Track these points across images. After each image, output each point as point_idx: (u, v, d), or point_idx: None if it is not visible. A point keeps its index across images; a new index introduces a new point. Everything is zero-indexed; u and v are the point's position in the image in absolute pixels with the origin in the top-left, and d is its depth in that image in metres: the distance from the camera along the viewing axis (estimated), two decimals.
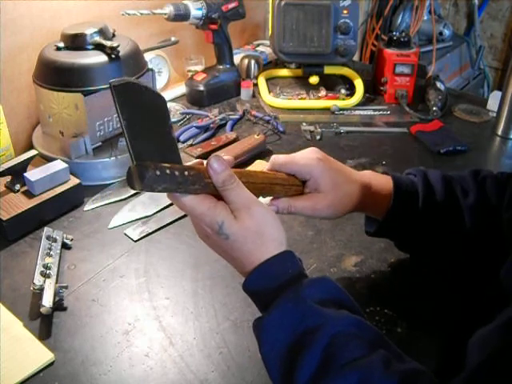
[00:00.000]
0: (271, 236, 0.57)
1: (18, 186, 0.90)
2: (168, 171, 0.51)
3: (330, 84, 1.35)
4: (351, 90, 1.33)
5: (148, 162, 0.50)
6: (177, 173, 0.52)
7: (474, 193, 0.73)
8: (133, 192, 0.98)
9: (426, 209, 0.72)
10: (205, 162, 0.57)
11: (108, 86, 0.50)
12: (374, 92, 1.36)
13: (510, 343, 0.46)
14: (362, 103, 1.31)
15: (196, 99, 1.30)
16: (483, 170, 0.77)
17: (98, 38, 0.98)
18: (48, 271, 0.76)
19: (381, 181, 0.73)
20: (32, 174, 0.89)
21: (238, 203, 0.56)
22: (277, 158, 0.67)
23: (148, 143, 0.52)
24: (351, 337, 0.51)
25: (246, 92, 1.34)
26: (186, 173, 0.53)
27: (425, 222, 0.72)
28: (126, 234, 0.89)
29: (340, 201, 0.68)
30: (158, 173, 0.50)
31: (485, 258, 0.73)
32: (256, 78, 1.38)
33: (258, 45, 1.59)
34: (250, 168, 1.03)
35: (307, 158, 0.68)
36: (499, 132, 1.20)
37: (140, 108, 0.52)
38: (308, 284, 0.54)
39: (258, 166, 1.04)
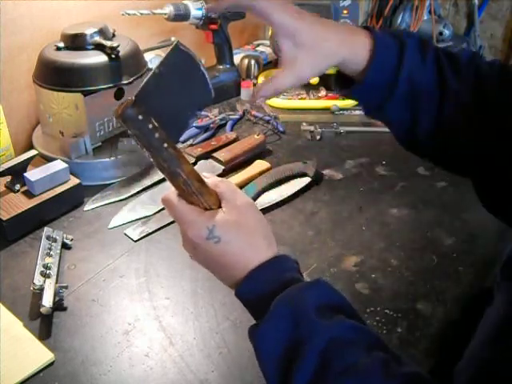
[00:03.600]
0: (262, 236, 0.56)
1: (18, 186, 0.90)
2: (150, 126, 0.51)
3: (330, 84, 1.35)
4: None
5: (144, 107, 0.51)
6: (157, 135, 0.51)
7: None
8: (133, 192, 0.98)
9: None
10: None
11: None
12: None
13: (499, 355, 0.45)
14: None
15: None
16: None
17: (97, 38, 0.98)
18: (48, 271, 0.76)
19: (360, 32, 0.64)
20: (32, 174, 0.89)
21: (231, 199, 0.56)
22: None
23: (161, 104, 0.53)
24: (348, 342, 0.50)
25: (245, 92, 1.34)
26: (166, 145, 0.52)
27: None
28: (126, 234, 0.89)
29: (323, 57, 0.61)
30: (140, 117, 0.50)
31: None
32: (256, 78, 1.38)
33: (258, 45, 1.59)
34: (250, 168, 1.04)
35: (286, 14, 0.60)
36: None
37: (182, 79, 0.53)
38: (302, 289, 0.53)
39: (258, 166, 1.05)
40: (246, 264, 0.54)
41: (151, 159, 0.53)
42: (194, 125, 1.17)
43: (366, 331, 0.52)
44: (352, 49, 0.62)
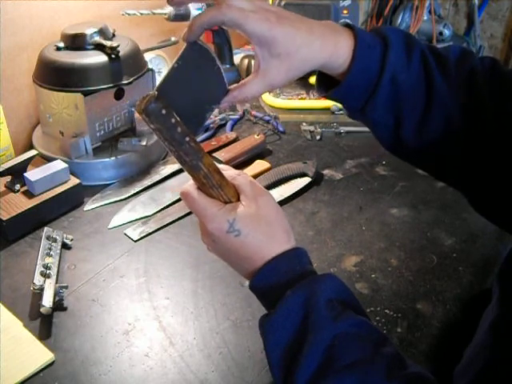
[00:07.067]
0: (281, 228, 0.57)
1: (18, 186, 0.90)
2: (173, 121, 0.51)
3: None
4: None
5: (166, 100, 0.51)
6: (179, 129, 0.51)
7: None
8: (133, 192, 0.98)
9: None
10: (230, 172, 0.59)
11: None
12: None
13: (498, 356, 0.46)
14: None
15: None
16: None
17: (97, 38, 0.98)
18: (48, 271, 0.76)
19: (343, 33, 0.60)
20: (32, 174, 0.89)
21: (250, 192, 0.56)
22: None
23: (180, 97, 0.53)
24: (354, 338, 0.50)
25: None
26: (188, 138, 0.52)
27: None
28: (125, 234, 0.89)
29: (300, 62, 0.58)
30: (163, 112, 0.50)
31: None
32: None
33: None
34: (250, 168, 1.04)
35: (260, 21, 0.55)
36: None
37: (199, 73, 0.55)
38: (315, 281, 0.54)
39: (258, 166, 1.05)
40: (265, 256, 0.55)
41: (172, 153, 0.54)
42: None
43: (374, 329, 0.53)
44: (334, 50, 0.58)
